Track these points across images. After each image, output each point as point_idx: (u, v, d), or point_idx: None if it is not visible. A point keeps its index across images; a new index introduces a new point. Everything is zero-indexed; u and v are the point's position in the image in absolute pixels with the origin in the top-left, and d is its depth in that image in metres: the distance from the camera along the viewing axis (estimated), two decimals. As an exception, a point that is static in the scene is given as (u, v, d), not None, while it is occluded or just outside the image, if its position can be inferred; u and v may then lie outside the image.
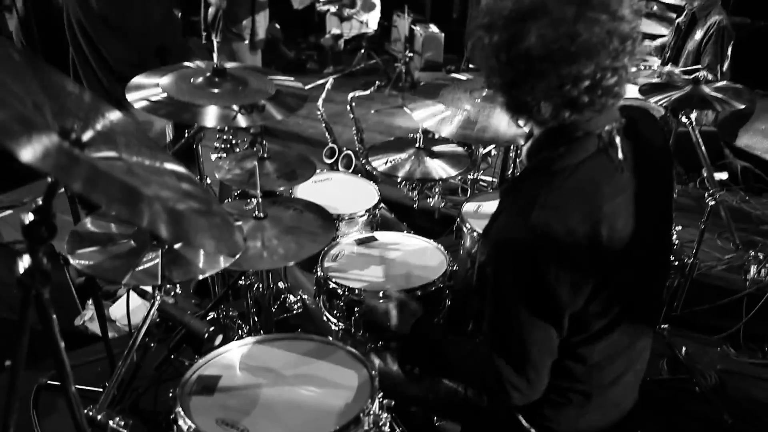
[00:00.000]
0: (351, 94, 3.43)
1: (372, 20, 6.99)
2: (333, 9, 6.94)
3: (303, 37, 7.70)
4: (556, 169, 1.30)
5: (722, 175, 4.23)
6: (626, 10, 1.19)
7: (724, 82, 2.61)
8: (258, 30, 5.01)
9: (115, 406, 1.60)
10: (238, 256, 1.46)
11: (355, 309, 1.91)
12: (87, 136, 1.05)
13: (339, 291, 1.92)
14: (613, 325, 1.40)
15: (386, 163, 2.51)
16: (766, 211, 3.97)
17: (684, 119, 2.37)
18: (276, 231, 1.80)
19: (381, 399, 1.49)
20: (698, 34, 3.78)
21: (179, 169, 1.19)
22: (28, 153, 0.80)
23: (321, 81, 6.55)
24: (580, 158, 1.29)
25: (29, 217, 1.02)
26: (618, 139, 1.29)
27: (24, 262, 1.00)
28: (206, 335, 1.58)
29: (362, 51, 7.10)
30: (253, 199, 1.86)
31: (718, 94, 2.37)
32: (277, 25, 6.67)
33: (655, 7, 5.00)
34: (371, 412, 1.43)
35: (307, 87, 6.34)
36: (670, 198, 1.49)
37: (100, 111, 1.15)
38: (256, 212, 1.83)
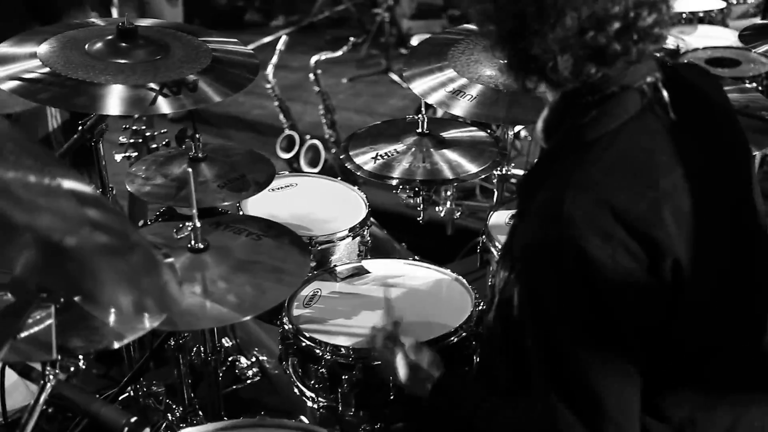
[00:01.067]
0: (314, 58, 3.41)
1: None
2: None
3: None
4: (589, 139, 1.36)
5: None
6: None
7: None
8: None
9: None
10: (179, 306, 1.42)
11: (342, 377, 1.90)
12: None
13: (317, 351, 1.91)
14: (702, 355, 1.44)
15: (374, 158, 2.48)
16: None
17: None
18: (223, 268, 1.77)
19: None
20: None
21: (81, 187, 1.15)
22: None
23: (268, 38, 6.59)
24: (620, 121, 1.36)
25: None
26: (666, 93, 1.35)
27: None
28: (126, 429, 1.54)
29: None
30: (186, 223, 1.81)
31: None
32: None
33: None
34: None
35: (248, 47, 6.36)
36: (749, 172, 1.54)
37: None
38: (192, 241, 1.79)
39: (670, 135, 1.36)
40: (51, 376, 1.53)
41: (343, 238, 2.35)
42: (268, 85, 3.07)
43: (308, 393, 1.96)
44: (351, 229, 2.36)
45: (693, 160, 1.36)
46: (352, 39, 3.61)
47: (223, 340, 2.52)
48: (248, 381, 2.56)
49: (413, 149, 2.51)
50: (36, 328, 1.45)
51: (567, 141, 1.41)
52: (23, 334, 1.42)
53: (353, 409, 1.90)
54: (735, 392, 1.52)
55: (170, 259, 1.64)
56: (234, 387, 2.56)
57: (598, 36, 1.26)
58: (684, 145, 1.37)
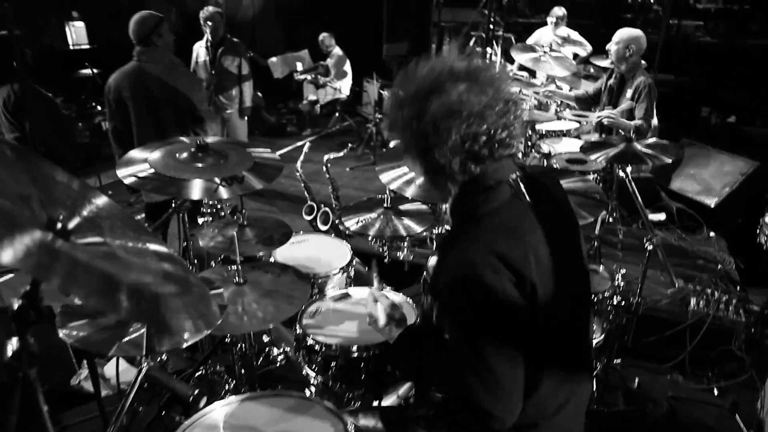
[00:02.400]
0: (326, 156, 3.44)
1: (345, 86, 7.10)
2: (309, 77, 7.05)
3: (283, 104, 7.79)
4: (480, 213, 1.37)
5: (660, 216, 4.33)
6: (507, 81, 1.37)
7: (653, 139, 2.70)
8: (245, 99, 5.09)
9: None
10: (218, 324, 1.42)
11: (332, 364, 1.88)
12: (73, 223, 1.04)
13: (316, 347, 1.89)
14: (556, 352, 1.43)
15: (357, 222, 2.51)
16: (701, 247, 4.06)
17: (621, 173, 2.43)
18: (255, 295, 1.77)
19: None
20: (628, 93, 3.92)
21: (161, 248, 1.17)
22: (8, 255, 0.78)
23: (300, 143, 6.64)
24: (498, 203, 1.38)
25: (18, 302, 0.99)
26: (523, 186, 1.40)
27: (12, 345, 0.97)
28: (191, 398, 1.53)
29: (337, 114, 7.19)
30: (233, 266, 1.82)
31: (648, 150, 2.44)
32: (260, 94, 6.74)
33: (592, 70, 5.20)
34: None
35: (287, 148, 6.43)
36: (577, 232, 1.54)
37: (87, 197, 1.14)
38: (237, 279, 1.80)
39: (530, 211, 1.38)
40: (144, 364, 1.53)
41: (335, 274, 2.33)
42: (298, 173, 3.08)
43: (311, 374, 1.93)
44: (340, 269, 2.35)
45: (545, 225, 1.38)
46: (350, 145, 3.62)
47: (263, 337, 2.49)
48: (277, 364, 2.50)
49: (382, 216, 2.54)
50: (135, 335, 1.47)
51: (466, 217, 1.42)
52: (126, 339, 1.45)
53: (338, 384, 1.88)
54: (572, 379, 1.50)
55: (220, 290, 1.66)
56: (268, 368, 2.49)
57: (473, 145, 1.32)
58: (539, 217, 1.38)
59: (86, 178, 5.09)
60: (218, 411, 1.57)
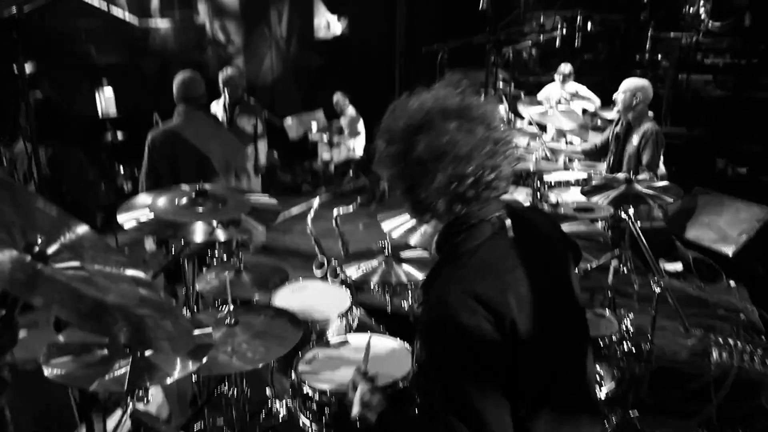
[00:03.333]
0: (336, 211, 3.46)
1: (358, 146, 7.25)
2: (324, 137, 7.22)
3: (298, 163, 7.95)
4: (460, 252, 1.35)
5: (677, 266, 4.22)
6: (498, 121, 1.35)
7: (658, 183, 2.67)
8: (260, 157, 5.21)
9: None
10: (204, 360, 1.40)
11: (325, 410, 1.82)
12: (52, 249, 1.06)
13: (310, 393, 1.84)
14: (548, 392, 1.36)
15: (358, 269, 2.49)
16: (722, 296, 3.92)
17: (623, 214, 2.40)
18: (246, 336, 1.75)
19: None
20: (635, 140, 3.93)
21: (138, 274, 1.17)
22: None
23: (315, 201, 6.65)
24: (479, 241, 1.34)
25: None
26: (509, 222, 1.36)
27: None
28: None
29: (351, 173, 7.29)
30: (225, 307, 1.81)
31: (649, 190, 2.41)
32: (275, 154, 6.91)
33: (599, 122, 5.25)
34: None
35: (301, 206, 6.50)
36: (567, 268, 1.50)
37: (67, 225, 1.16)
38: (228, 320, 1.78)
39: (512, 248, 1.35)
40: (129, 403, 1.49)
41: (334, 320, 2.27)
42: (308, 228, 3.08)
43: (306, 422, 1.87)
44: (340, 315, 2.30)
45: (528, 262, 1.34)
46: (359, 199, 3.64)
47: (266, 390, 2.40)
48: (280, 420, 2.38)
49: (383, 264, 2.52)
50: (119, 371, 1.45)
51: (448, 253, 1.39)
52: (109, 376, 1.42)
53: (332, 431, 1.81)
54: (572, 414, 1.43)
55: (209, 329, 1.63)
56: (272, 424, 2.28)
57: (459, 186, 1.30)
58: (522, 254, 1.35)
59: (105, 236, 5.21)
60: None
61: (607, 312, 2.40)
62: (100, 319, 1.05)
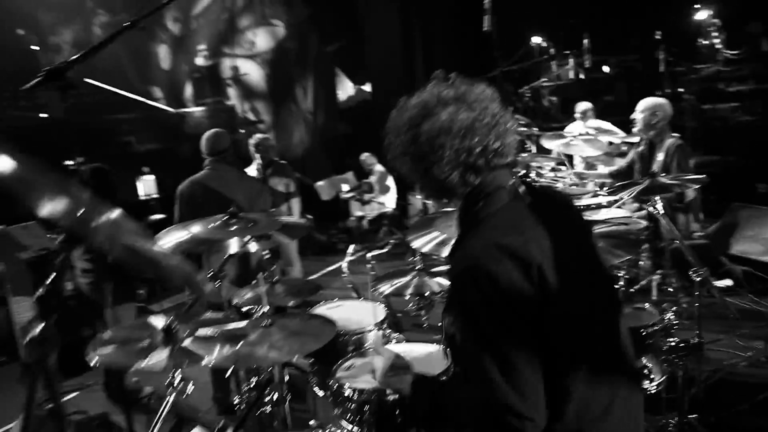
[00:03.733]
0: (369, 254, 3.48)
1: (389, 200, 7.40)
2: (355, 195, 7.42)
3: (332, 223, 8.13)
4: (481, 217, 1.41)
5: (727, 282, 4.08)
6: (494, 99, 1.45)
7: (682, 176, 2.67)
8: (293, 214, 5.41)
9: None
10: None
11: (364, 408, 1.82)
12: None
13: (348, 394, 1.86)
14: (581, 345, 1.37)
15: (391, 287, 2.53)
16: (777, 307, 3.76)
17: (651, 209, 2.39)
18: (282, 335, 1.79)
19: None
20: (660, 156, 3.93)
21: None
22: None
23: (350, 258, 6.77)
24: (498, 206, 1.41)
25: (42, 290, 1.09)
26: (523, 188, 1.44)
27: (36, 330, 1.06)
28: (217, 429, 1.52)
29: (384, 228, 7.41)
30: (261, 310, 1.87)
31: (673, 181, 2.42)
32: (309, 216, 7.11)
33: (624, 147, 5.26)
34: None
35: (337, 264, 6.59)
36: (586, 230, 1.56)
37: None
38: (264, 322, 1.83)
39: (530, 211, 1.41)
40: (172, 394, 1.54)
41: (370, 330, 2.30)
42: (344, 274, 3.13)
43: (347, 426, 1.87)
44: (375, 325, 2.32)
45: (548, 223, 1.39)
46: (392, 240, 3.65)
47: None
48: None
49: (416, 279, 2.56)
50: (156, 359, 1.51)
51: (469, 222, 1.44)
52: (146, 362, 1.49)
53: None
54: (609, 373, 1.41)
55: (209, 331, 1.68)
56: None
57: (468, 157, 1.38)
58: (540, 216, 1.40)
59: (150, 304, 5.39)
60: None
61: (647, 305, 2.35)
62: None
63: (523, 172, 4.02)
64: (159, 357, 1.43)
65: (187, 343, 1.52)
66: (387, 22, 8.86)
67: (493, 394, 1.29)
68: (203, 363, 1.44)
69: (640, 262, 4.19)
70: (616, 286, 1.58)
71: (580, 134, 4.85)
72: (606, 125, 6.10)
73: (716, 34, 7.79)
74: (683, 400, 2.35)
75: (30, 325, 1.05)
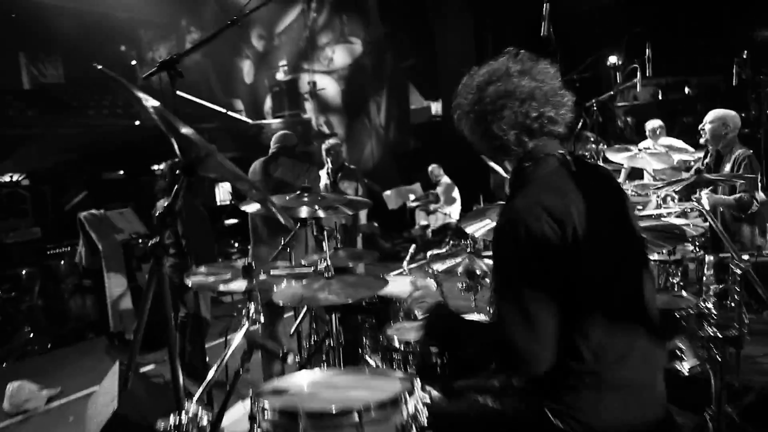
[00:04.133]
0: (429, 252, 3.73)
1: (454, 212, 7.65)
2: (420, 205, 7.73)
3: (398, 231, 8.47)
4: (530, 179, 1.62)
5: (796, 300, 4.03)
6: (555, 75, 1.66)
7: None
8: (360, 217, 5.79)
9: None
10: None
11: (409, 358, 2.11)
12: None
13: (397, 346, 2.16)
14: (604, 297, 1.55)
15: (444, 264, 2.82)
16: None
17: (695, 203, 2.54)
18: (340, 285, 2.11)
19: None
20: (727, 167, 3.97)
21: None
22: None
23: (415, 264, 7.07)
24: (546, 171, 1.61)
25: (161, 206, 1.45)
26: (570, 157, 1.63)
27: (153, 240, 1.42)
28: (282, 354, 1.82)
29: (448, 238, 7.65)
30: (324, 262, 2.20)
31: (720, 177, 2.55)
32: (376, 223, 7.48)
33: (692, 162, 5.27)
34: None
35: (400, 270, 6.90)
36: (623, 200, 1.73)
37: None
38: (326, 274, 2.16)
39: (573, 178, 1.60)
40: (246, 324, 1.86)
41: None
42: (404, 270, 3.41)
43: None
44: None
45: (588, 190, 1.59)
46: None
47: None
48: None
49: (466, 260, 2.86)
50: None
51: (519, 183, 1.64)
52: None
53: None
54: (627, 325, 1.60)
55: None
56: None
57: (526, 121, 1.59)
58: (582, 182, 1.60)
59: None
60: (304, 376, 1.86)
61: (684, 293, 2.49)
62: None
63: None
64: (238, 286, 1.79)
65: (262, 277, 1.88)
66: (460, 39, 9.21)
67: (507, 332, 1.50)
68: (272, 296, 1.78)
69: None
70: (645, 252, 1.76)
71: (646, 148, 4.94)
72: (678, 143, 6.11)
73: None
74: (721, 391, 2.46)
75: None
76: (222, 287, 1.85)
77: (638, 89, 6.41)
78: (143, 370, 4.51)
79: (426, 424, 1.66)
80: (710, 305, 2.38)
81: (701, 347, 2.35)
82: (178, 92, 2.36)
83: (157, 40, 11.19)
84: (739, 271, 2.37)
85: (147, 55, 11.10)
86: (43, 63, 9.02)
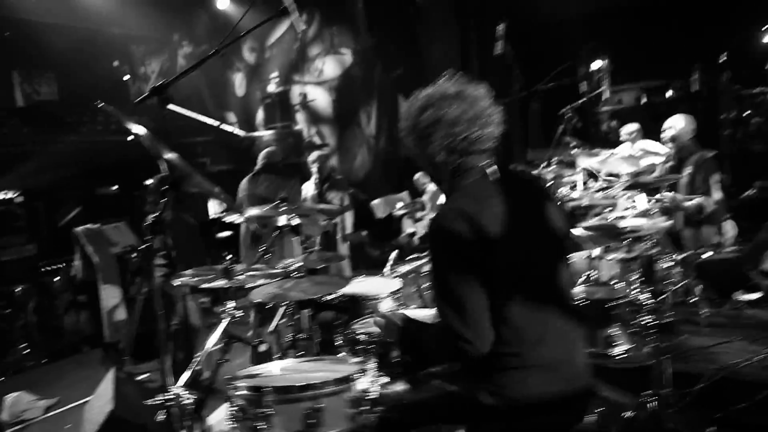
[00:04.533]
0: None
1: (441, 219, 7.95)
2: (407, 213, 8.04)
3: (386, 240, 8.76)
4: (455, 188, 1.98)
5: (755, 295, 4.37)
6: (485, 98, 1.98)
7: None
8: (346, 226, 6.14)
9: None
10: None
11: (371, 348, 2.41)
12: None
13: (360, 338, 2.47)
14: (519, 286, 1.88)
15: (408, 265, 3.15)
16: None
17: (634, 203, 2.86)
18: (309, 283, 2.45)
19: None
20: (687, 170, 4.33)
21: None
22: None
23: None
24: (468, 181, 1.96)
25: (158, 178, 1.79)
26: (492, 169, 1.97)
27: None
28: (254, 344, 2.17)
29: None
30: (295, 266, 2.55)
31: (651, 180, 2.85)
32: (364, 232, 7.79)
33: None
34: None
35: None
36: (544, 208, 2.04)
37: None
38: (298, 275, 2.50)
39: (494, 186, 1.94)
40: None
41: (385, 297, 2.87)
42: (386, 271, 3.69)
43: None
44: (390, 293, 2.91)
45: (506, 196, 1.92)
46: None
47: None
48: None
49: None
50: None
51: (448, 193, 2.03)
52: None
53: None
54: (542, 309, 1.92)
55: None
56: None
57: (452, 143, 1.93)
58: (501, 190, 1.94)
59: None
60: (275, 364, 2.20)
61: (617, 283, 2.82)
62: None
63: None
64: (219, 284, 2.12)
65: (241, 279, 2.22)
66: (445, 50, 9.56)
67: (448, 325, 1.83)
68: (249, 296, 2.11)
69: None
70: (565, 246, 2.09)
71: (613, 153, 5.29)
72: (653, 146, 6.45)
73: (784, 57, 7.92)
74: (661, 376, 2.77)
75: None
76: (203, 286, 2.18)
77: (608, 95, 6.77)
78: (137, 378, 4.81)
79: (378, 399, 1.99)
80: (644, 296, 2.70)
81: (636, 334, 2.67)
82: (171, 106, 2.67)
83: (150, 54, 11.57)
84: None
85: (140, 69, 11.47)
86: (36, 80, 9.39)
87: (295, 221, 2.74)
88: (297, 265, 2.45)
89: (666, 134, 4.49)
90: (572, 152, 5.93)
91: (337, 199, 6.17)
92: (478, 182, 1.96)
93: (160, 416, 1.77)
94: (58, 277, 6.11)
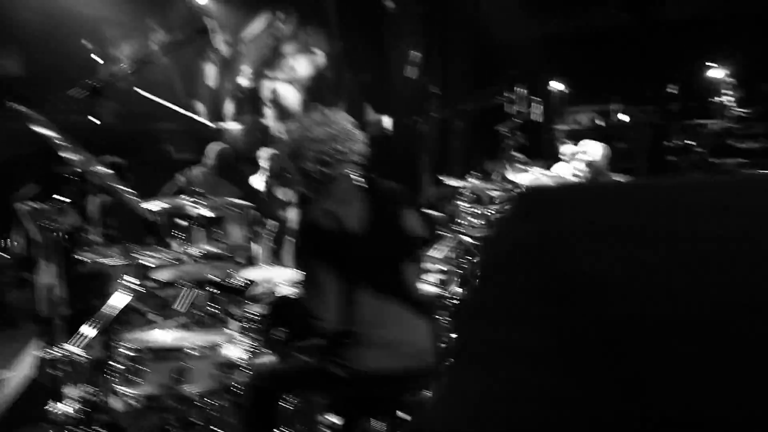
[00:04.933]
0: None
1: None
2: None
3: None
4: (324, 193, 2.45)
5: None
6: (347, 122, 2.49)
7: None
8: (291, 222, 6.46)
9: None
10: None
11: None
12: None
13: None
14: (368, 275, 2.31)
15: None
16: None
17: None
18: (209, 267, 2.82)
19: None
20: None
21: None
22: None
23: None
24: (335, 188, 2.43)
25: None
26: (353, 175, 2.41)
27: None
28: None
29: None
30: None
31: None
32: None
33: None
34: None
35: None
36: (398, 212, 2.49)
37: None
38: (198, 260, 2.87)
39: (354, 190, 2.40)
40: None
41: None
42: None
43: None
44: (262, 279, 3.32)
45: (363, 199, 2.39)
46: None
47: None
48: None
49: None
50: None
51: (318, 197, 2.47)
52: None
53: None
54: (386, 297, 2.35)
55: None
56: None
57: (320, 156, 2.44)
58: (359, 193, 2.40)
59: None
60: (162, 332, 2.56)
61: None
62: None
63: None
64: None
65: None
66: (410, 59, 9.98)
67: (304, 301, 2.28)
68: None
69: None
70: (413, 245, 2.51)
71: (542, 173, 5.72)
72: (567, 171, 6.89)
73: (730, 92, 8.47)
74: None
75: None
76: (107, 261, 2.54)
77: (539, 119, 7.23)
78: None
79: (247, 368, 2.37)
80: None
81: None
82: (140, 91, 3.02)
83: (121, 37, 11.77)
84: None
85: (110, 51, 11.66)
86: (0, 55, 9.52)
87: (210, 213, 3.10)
88: (200, 250, 2.82)
89: (581, 157, 4.93)
90: (525, 166, 6.37)
91: (281, 193, 6.49)
92: (343, 188, 2.39)
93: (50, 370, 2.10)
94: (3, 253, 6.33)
